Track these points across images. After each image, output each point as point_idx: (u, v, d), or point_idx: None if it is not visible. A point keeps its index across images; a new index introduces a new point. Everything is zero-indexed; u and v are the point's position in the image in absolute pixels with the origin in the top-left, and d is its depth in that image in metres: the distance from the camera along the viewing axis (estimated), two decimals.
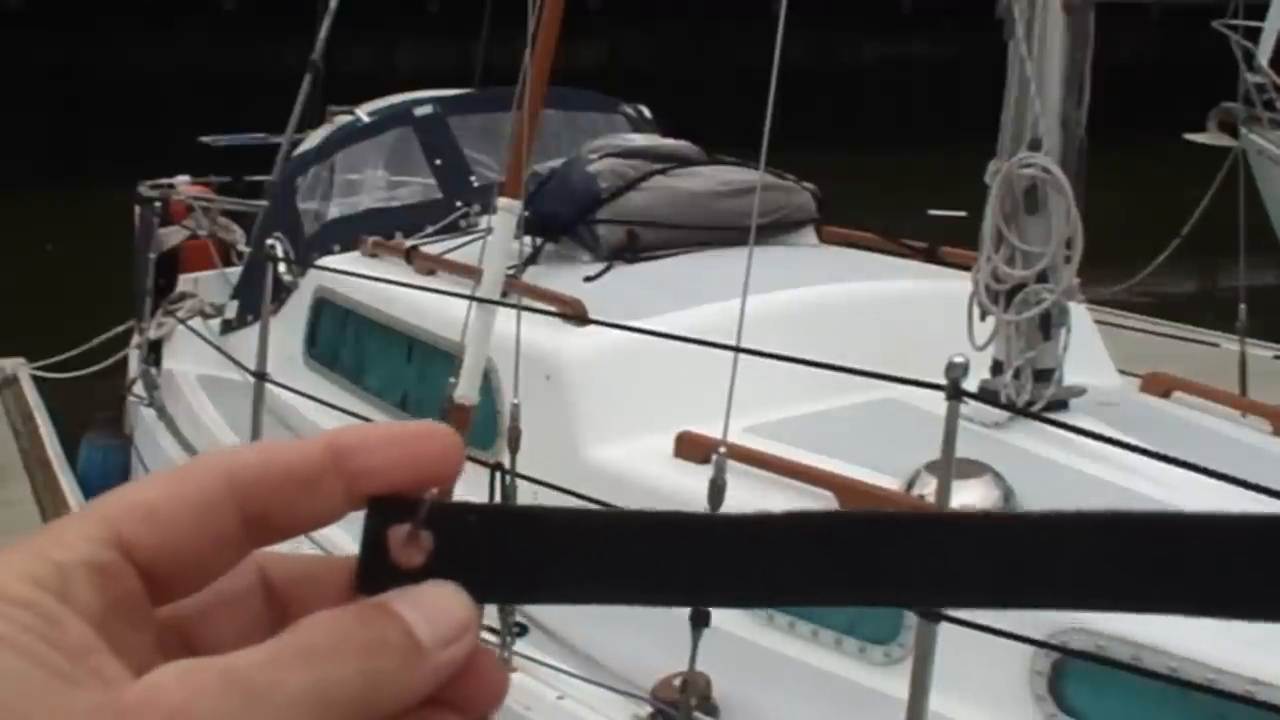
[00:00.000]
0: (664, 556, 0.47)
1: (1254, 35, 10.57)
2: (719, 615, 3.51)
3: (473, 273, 4.57)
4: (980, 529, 0.46)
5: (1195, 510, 0.44)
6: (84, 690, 0.40)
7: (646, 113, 7.18)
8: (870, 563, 0.46)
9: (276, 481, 0.46)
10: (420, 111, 6.92)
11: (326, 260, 6.19)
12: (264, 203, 7.62)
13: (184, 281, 7.89)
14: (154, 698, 0.40)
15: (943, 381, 3.16)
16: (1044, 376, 4.22)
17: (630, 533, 0.47)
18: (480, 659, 0.46)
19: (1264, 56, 10.70)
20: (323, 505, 0.47)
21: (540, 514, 0.48)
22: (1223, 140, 10.16)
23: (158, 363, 7.55)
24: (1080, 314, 4.59)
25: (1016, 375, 4.19)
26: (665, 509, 0.47)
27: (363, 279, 5.70)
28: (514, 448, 4.01)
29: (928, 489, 3.57)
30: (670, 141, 5.92)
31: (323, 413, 5.61)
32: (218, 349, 6.65)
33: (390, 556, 0.46)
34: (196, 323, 7.28)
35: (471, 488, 4.10)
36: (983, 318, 4.23)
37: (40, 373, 9.25)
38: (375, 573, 0.46)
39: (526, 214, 4.67)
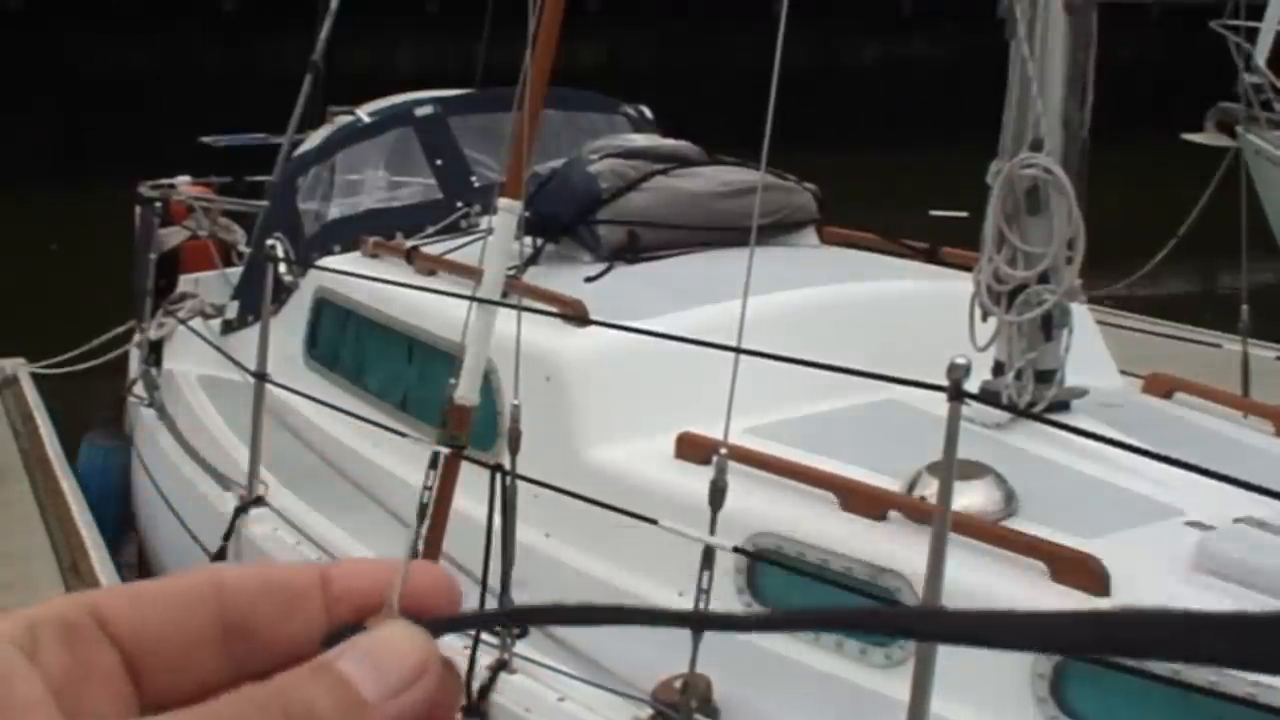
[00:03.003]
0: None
1: (1253, 36, 10.57)
2: None
3: (473, 273, 4.56)
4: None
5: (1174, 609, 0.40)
6: None
7: (647, 113, 7.17)
8: None
9: (263, 589, 0.48)
10: (421, 112, 6.90)
11: (327, 260, 6.18)
12: (264, 203, 7.61)
13: (184, 282, 7.88)
14: None
15: (944, 383, 3.15)
16: (1045, 377, 4.21)
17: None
18: (446, 688, 0.46)
19: (1261, 57, 10.71)
20: (306, 622, 0.48)
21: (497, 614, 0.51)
22: (1220, 140, 10.17)
23: (158, 363, 7.54)
24: (1082, 315, 4.58)
25: (1018, 376, 4.18)
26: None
27: (363, 279, 5.69)
28: (514, 449, 4.00)
29: (929, 490, 3.56)
30: (670, 142, 5.91)
31: (323, 413, 5.61)
32: (218, 349, 6.64)
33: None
34: (197, 323, 7.28)
35: (472, 489, 4.09)
36: (984, 318, 4.22)
37: (40, 371, 9.25)
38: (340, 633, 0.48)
39: (527, 214, 4.67)
